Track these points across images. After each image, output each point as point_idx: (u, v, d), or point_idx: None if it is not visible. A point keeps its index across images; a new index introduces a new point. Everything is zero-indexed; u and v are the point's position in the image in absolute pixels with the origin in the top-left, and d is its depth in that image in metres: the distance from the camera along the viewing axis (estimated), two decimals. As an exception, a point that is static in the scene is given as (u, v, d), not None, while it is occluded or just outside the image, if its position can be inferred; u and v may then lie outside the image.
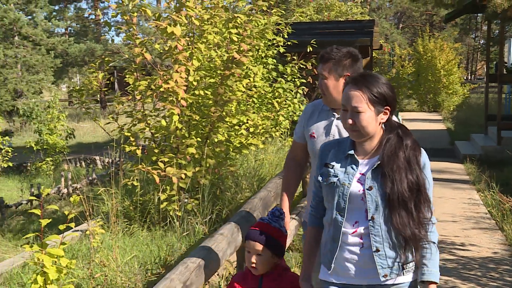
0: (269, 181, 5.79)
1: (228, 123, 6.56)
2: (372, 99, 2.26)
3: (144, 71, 6.71)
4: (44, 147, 12.90)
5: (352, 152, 2.38)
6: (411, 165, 2.28)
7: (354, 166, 2.36)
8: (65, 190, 10.18)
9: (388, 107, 2.30)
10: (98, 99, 31.53)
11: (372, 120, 2.28)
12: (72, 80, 36.57)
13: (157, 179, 5.79)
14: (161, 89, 5.89)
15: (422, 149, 2.37)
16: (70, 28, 34.35)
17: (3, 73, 24.92)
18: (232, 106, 6.95)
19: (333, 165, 2.41)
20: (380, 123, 2.31)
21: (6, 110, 24.78)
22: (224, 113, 6.21)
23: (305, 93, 10.09)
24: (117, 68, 30.98)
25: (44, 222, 3.68)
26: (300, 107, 9.46)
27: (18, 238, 7.22)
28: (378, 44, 16.46)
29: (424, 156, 2.38)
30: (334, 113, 3.05)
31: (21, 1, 26.42)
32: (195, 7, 6.07)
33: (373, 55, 19.48)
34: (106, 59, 6.49)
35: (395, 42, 35.08)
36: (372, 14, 34.98)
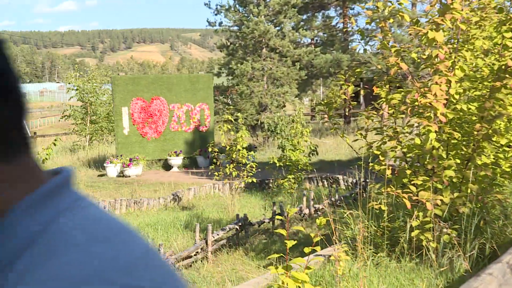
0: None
1: (495, 143, 6.20)
2: None
3: (396, 83, 6.68)
4: (287, 163, 13.46)
5: None
6: None
7: None
8: (306, 211, 10.56)
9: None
10: (345, 113, 32.29)
11: None
12: (316, 93, 38.03)
13: (408, 204, 5.70)
14: (416, 104, 5.80)
15: None
16: (316, 38, 35.72)
17: (250, 86, 26.79)
18: (501, 123, 6.53)
19: None
20: None
21: (250, 124, 26.44)
22: (491, 131, 5.86)
23: None
24: (364, 80, 31.35)
25: (290, 243, 3.84)
26: None
27: (261, 258, 7.67)
28: None
29: None
30: None
31: (271, 12, 28.29)
32: (462, 9, 5.84)
33: None
34: (358, 70, 6.59)
35: None
36: None
